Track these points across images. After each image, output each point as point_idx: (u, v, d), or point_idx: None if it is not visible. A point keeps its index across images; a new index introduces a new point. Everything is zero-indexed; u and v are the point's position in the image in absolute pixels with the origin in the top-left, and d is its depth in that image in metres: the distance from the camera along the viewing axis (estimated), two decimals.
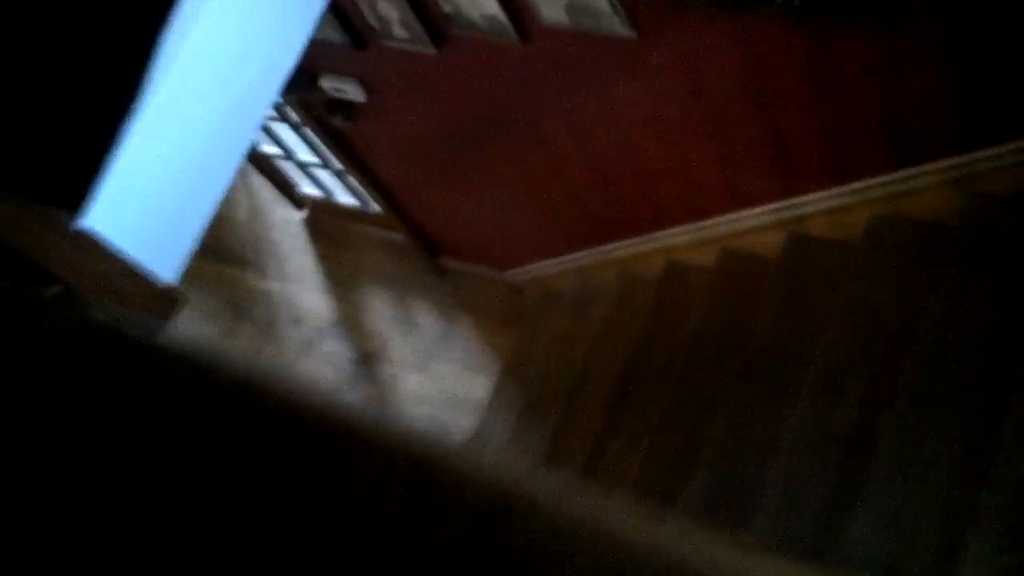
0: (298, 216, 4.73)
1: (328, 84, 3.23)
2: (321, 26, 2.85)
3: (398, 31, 2.75)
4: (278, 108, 3.71)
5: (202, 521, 0.33)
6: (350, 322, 4.41)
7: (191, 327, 4.52)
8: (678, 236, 3.31)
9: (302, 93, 3.34)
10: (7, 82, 1.36)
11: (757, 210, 2.99)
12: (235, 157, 1.79)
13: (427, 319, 4.31)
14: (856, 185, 2.69)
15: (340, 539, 0.32)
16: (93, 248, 1.50)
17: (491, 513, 0.32)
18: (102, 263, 1.52)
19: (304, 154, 4.10)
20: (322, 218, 4.70)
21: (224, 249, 4.70)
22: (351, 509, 0.33)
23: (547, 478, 0.35)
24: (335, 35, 2.90)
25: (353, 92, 3.20)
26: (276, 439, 0.34)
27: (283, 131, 4.00)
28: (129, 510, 0.34)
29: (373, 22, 2.78)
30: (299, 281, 4.58)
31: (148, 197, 1.59)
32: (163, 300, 1.60)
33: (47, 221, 1.43)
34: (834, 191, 2.76)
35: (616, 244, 3.58)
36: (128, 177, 1.53)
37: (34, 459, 0.35)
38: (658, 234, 3.38)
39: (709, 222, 3.16)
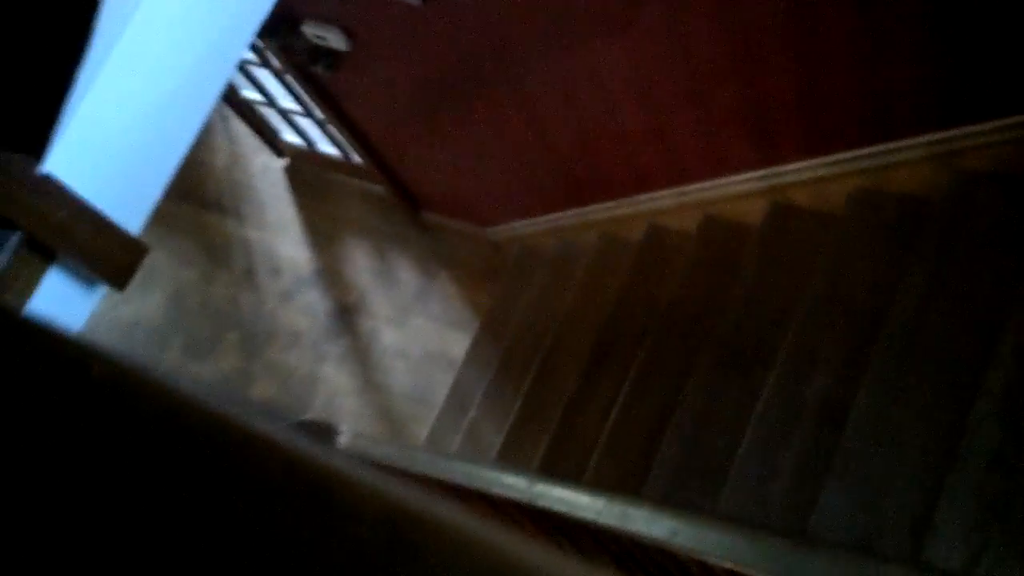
0: (279, 164, 4.68)
1: (310, 31, 3.16)
2: None
3: None
4: (260, 53, 3.64)
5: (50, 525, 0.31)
6: (329, 273, 4.38)
7: (168, 272, 4.48)
8: (660, 200, 3.29)
9: (283, 39, 3.28)
10: None
11: (739, 177, 2.97)
12: (205, 105, 1.75)
13: (407, 273, 4.29)
14: (839, 156, 2.68)
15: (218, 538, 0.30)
16: (54, 195, 1.47)
17: (392, 549, 0.30)
18: (63, 211, 1.49)
19: (286, 101, 4.04)
20: (303, 167, 4.65)
21: (203, 194, 4.65)
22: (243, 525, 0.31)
23: (442, 507, 0.33)
24: None
25: (336, 40, 3.15)
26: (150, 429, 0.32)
27: (265, 77, 3.94)
28: None
29: None
30: (278, 230, 4.54)
31: (112, 143, 1.56)
32: (126, 249, 1.58)
33: (6, 167, 1.40)
34: (817, 161, 2.74)
35: (597, 206, 3.56)
36: (91, 123, 1.50)
37: None
38: (640, 197, 3.36)
39: (691, 187, 3.14)
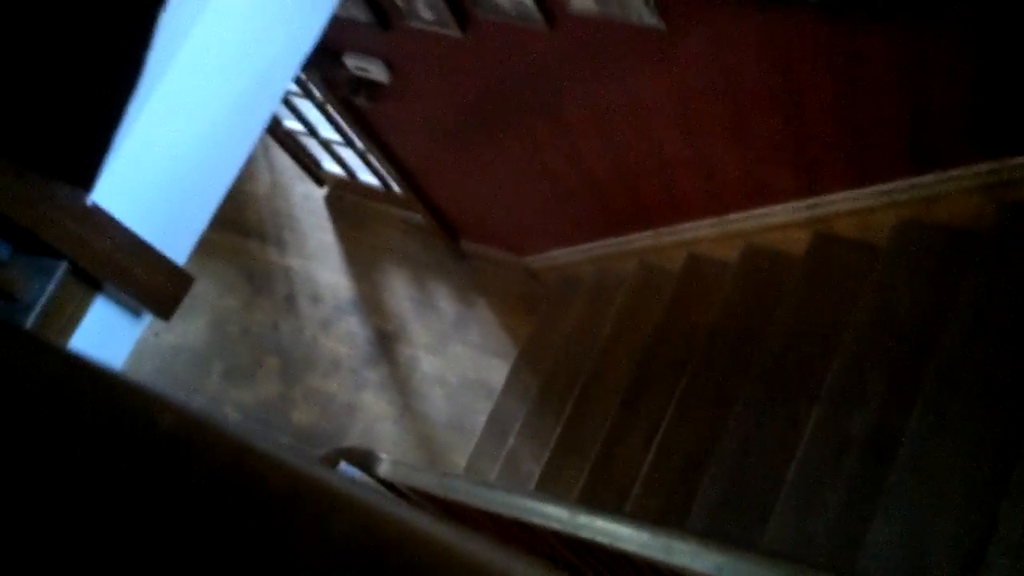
0: (319, 193, 4.73)
1: (352, 62, 3.21)
2: (346, 4, 2.83)
3: (424, 12, 2.72)
4: (302, 85, 3.70)
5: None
6: (368, 302, 4.41)
7: (210, 299, 4.54)
8: (701, 229, 3.28)
9: (326, 71, 3.33)
10: (17, 55, 1.35)
11: (781, 207, 2.95)
12: (251, 135, 1.78)
13: (445, 301, 4.30)
14: (883, 187, 2.65)
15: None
16: (101, 225, 1.49)
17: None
18: (109, 240, 1.51)
19: (327, 131, 4.09)
20: (344, 196, 4.70)
21: (245, 223, 4.71)
22: None
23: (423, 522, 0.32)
24: (360, 14, 2.88)
25: (377, 72, 3.19)
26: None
27: (307, 108, 3.99)
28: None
29: (399, 2, 2.75)
30: (319, 258, 4.59)
31: (158, 173, 1.59)
32: (172, 279, 1.60)
33: (55, 197, 1.43)
34: (860, 192, 2.72)
35: (636, 235, 3.55)
36: (138, 153, 1.53)
37: None
38: (680, 227, 3.35)
39: (732, 217, 3.12)
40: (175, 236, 1.61)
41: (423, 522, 0.32)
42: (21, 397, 0.35)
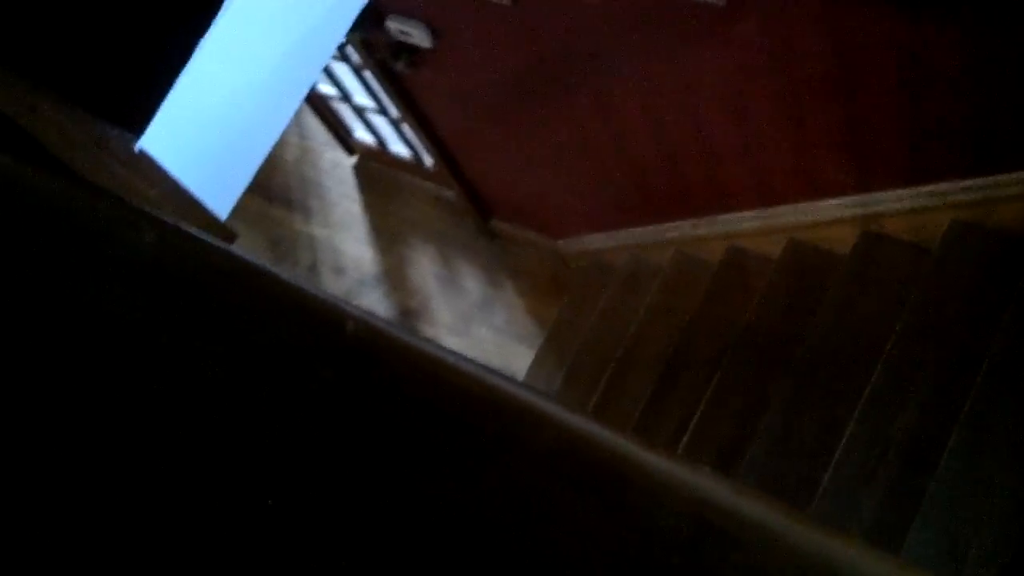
0: (349, 162, 4.75)
1: (394, 25, 3.22)
2: None
3: None
4: (339, 47, 3.71)
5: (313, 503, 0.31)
6: (392, 276, 4.43)
7: None
8: (744, 222, 3.27)
9: (366, 32, 3.34)
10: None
11: (830, 202, 2.94)
12: (298, 94, 1.80)
13: (472, 282, 4.32)
14: (940, 187, 2.64)
15: (493, 532, 0.28)
16: (148, 173, 1.52)
17: (701, 536, 0.29)
18: (154, 189, 1.54)
19: (361, 98, 4.11)
20: (373, 166, 4.72)
21: (270, 187, 4.74)
22: (510, 499, 0.29)
23: (755, 498, 0.32)
24: None
25: (419, 36, 3.19)
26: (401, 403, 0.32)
27: (342, 72, 4.01)
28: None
29: None
30: (344, 229, 4.61)
31: (207, 126, 1.61)
32: (215, 232, 1.62)
33: (103, 139, 1.45)
34: (916, 191, 2.71)
35: (675, 223, 3.55)
36: (188, 103, 1.55)
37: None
38: (721, 217, 3.35)
39: (778, 210, 3.12)
40: (219, 189, 1.63)
41: (632, 446, 0.33)
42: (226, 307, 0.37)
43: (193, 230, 0.45)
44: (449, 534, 0.28)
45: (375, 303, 4.37)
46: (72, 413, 0.33)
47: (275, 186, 4.74)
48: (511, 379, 0.33)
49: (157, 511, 0.30)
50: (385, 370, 0.33)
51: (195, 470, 0.31)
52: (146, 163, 1.49)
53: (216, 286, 0.38)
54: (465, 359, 0.34)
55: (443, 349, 0.35)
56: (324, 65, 1.85)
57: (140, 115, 1.44)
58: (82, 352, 0.34)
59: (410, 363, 0.34)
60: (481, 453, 0.31)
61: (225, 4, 1.51)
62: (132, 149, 1.47)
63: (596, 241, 3.99)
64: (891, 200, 2.79)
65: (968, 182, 2.58)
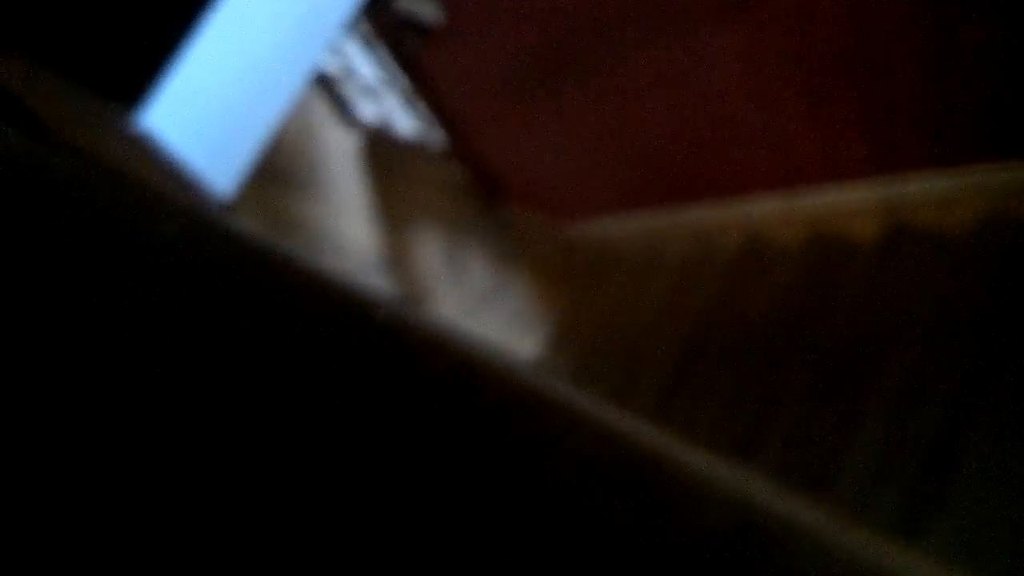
0: (352, 140, 4.75)
1: (404, 1, 3.22)
2: None
3: None
4: (348, 24, 3.70)
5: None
6: (396, 260, 4.43)
7: None
8: (762, 208, 3.27)
9: (377, 9, 3.34)
10: None
11: (851, 189, 2.94)
12: (301, 71, 1.80)
13: (478, 267, 4.32)
14: (969, 177, 2.63)
15: (528, 532, 0.28)
16: (147, 152, 1.52)
17: (744, 536, 0.29)
18: (154, 169, 1.54)
19: (369, 75, 4.10)
20: (377, 145, 4.71)
21: (270, 165, 4.73)
22: (546, 500, 0.30)
23: (800, 502, 0.33)
24: None
25: (430, 12, 3.19)
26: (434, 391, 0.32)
27: (350, 49, 4.00)
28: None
29: None
30: (346, 209, 4.61)
31: (209, 104, 1.61)
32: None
33: (103, 117, 1.46)
34: (943, 180, 2.70)
35: (691, 208, 3.55)
36: (190, 82, 1.55)
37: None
38: (739, 202, 3.34)
39: (798, 194, 3.11)
40: (222, 167, 1.63)
41: (672, 443, 0.33)
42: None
43: (214, 214, 0.45)
44: (481, 536, 0.29)
45: (377, 287, 4.38)
46: (94, 407, 0.33)
47: (276, 164, 4.74)
48: (543, 374, 0.34)
49: (182, 503, 0.31)
50: (415, 363, 0.34)
51: (220, 462, 0.32)
52: (146, 144, 1.50)
53: (240, 273, 0.38)
54: (497, 352, 0.34)
55: (475, 340, 0.35)
56: (329, 41, 1.86)
57: (141, 93, 1.45)
58: (106, 341, 0.35)
59: (441, 355, 0.34)
60: (515, 451, 0.31)
61: None
62: (133, 128, 1.48)
63: (608, 226, 3.98)
64: (916, 190, 2.79)
65: (999, 170, 2.57)
